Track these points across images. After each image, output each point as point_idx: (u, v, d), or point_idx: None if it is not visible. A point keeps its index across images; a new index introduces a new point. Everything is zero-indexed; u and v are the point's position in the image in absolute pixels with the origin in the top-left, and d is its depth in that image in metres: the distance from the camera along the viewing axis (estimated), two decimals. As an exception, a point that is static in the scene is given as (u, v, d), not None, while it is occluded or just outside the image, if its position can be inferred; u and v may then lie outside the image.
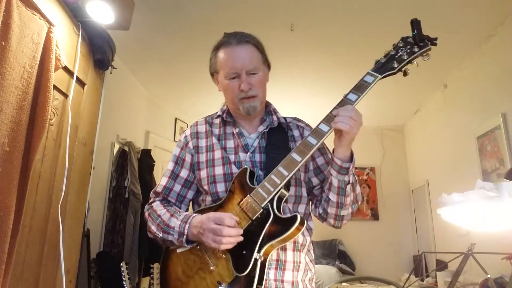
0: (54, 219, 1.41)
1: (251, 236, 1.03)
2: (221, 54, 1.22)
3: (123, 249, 2.83)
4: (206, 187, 1.19)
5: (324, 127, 1.07)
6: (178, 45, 2.93)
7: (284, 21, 2.59)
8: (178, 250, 1.14)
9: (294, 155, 1.06)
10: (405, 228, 4.50)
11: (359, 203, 1.19)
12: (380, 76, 1.10)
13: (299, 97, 3.88)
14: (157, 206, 1.21)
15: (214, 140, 1.23)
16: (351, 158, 1.09)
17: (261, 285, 0.99)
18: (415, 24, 1.09)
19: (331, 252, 4.29)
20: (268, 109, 1.29)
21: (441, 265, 3.06)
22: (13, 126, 1.11)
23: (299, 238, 1.14)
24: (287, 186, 1.10)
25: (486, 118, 2.73)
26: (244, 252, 1.02)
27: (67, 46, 1.50)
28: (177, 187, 1.25)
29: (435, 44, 1.11)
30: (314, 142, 1.06)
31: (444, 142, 3.57)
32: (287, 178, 1.04)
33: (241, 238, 1.02)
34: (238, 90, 1.17)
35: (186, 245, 1.09)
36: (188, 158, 1.25)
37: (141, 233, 2.97)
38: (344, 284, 3.09)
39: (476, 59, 2.92)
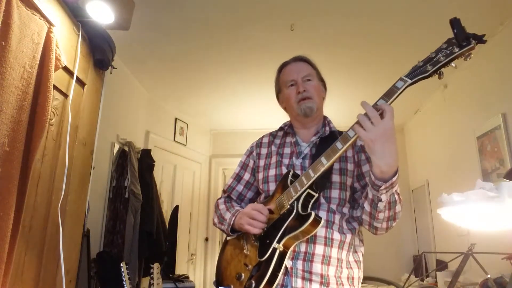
0: (54, 219, 1.41)
1: (277, 228, 1.16)
2: (282, 71, 1.45)
3: (123, 249, 2.83)
4: (261, 187, 1.38)
5: (351, 133, 1.08)
6: (178, 45, 2.92)
7: (284, 21, 2.59)
8: (228, 238, 1.39)
9: (322, 158, 1.12)
10: (405, 228, 4.49)
11: (397, 220, 1.17)
12: (409, 81, 1.08)
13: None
14: (221, 202, 1.47)
15: (273, 148, 1.43)
16: (390, 177, 1.00)
17: (279, 272, 1.11)
18: (455, 23, 1.01)
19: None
20: (324, 122, 1.43)
21: (441, 265, 3.06)
22: (13, 126, 1.11)
23: (335, 235, 1.20)
24: (321, 187, 1.21)
25: (486, 118, 2.73)
26: (268, 241, 1.17)
27: (67, 46, 1.50)
28: (239, 187, 1.49)
29: (484, 42, 1.01)
30: (340, 146, 1.09)
31: (444, 142, 3.57)
32: (313, 179, 1.13)
33: (263, 225, 1.19)
34: (295, 94, 1.35)
35: (231, 234, 1.33)
36: (251, 164, 1.48)
37: (141, 233, 2.97)
38: (344, 284, 3.08)
39: (476, 59, 2.90)
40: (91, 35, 1.69)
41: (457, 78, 3.25)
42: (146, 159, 3.28)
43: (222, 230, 1.38)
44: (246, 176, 1.48)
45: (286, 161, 1.34)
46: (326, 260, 1.17)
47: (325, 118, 1.45)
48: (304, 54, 1.54)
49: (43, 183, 1.39)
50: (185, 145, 4.44)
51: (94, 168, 1.81)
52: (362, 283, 1.31)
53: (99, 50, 1.72)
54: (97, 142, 1.82)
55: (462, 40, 1.01)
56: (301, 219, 1.13)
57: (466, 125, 3.05)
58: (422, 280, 3.37)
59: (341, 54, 3.00)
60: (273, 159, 1.38)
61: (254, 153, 1.47)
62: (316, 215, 1.11)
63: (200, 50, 2.97)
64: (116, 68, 1.98)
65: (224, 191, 1.53)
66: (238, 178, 1.49)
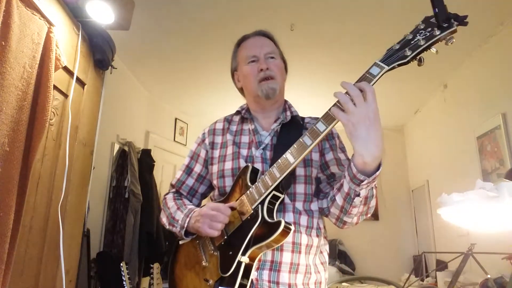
0: (54, 219, 1.41)
1: (240, 237, 1.02)
2: (241, 47, 1.27)
3: (123, 249, 2.83)
4: (215, 182, 1.22)
5: (321, 126, 0.94)
6: (178, 45, 2.92)
7: (284, 21, 2.59)
8: (181, 242, 1.21)
9: (288, 156, 0.99)
10: (405, 228, 4.49)
11: (369, 215, 1.05)
12: (387, 68, 0.91)
13: (299, 97, 3.87)
14: (169, 198, 1.28)
15: (229, 137, 1.25)
16: (373, 170, 0.88)
17: (246, 285, 0.98)
18: (436, 1, 0.86)
19: (331, 252, 4.29)
20: (284, 106, 1.29)
21: (441, 265, 3.06)
22: (13, 126, 1.11)
23: (303, 239, 1.09)
24: (286, 186, 1.07)
25: (486, 118, 2.73)
26: (230, 253, 1.02)
27: (67, 46, 1.50)
28: (190, 181, 1.30)
29: (465, 24, 0.87)
30: (309, 142, 0.95)
31: (444, 142, 3.57)
32: (279, 180, 1.00)
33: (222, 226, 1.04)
34: (257, 72, 1.19)
35: (184, 237, 1.16)
36: (202, 154, 1.29)
37: (141, 233, 2.97)
38: (344, 284, 3.09)
39: (476, 59, 2.92)
40: (91, 35, 1.69)
41: (457, 78, 3.25)
42: (146, 159, 3.28)
43: (174, 233, 1.20)
44: (198, 168, 1.29)
45: (244, 151, 1.19)
46: (294, 268, 1.07)
47: (285, 101, 1.30)
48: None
49: (43, 183, 1.39)
50: (185, 145, 4.44)
51: (94, 168, 1.81)
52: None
53: (99, 50, 1.72)
54: (97, 142, 1.83)
55: (444, 20, 0.87)
56: (268, 227, 0.99)
57: (466, 125, 3.05)
58: (422, 280, 3.37)
59: (341, 54, 3.00)
60: (229, 150, 1.22)
61: (207, 142, 1.28)
62: (286, 223, 0.98)
63: (200, 50, 2.97)
64: (116, 68, 1.98)
65: (172, 185, 1.33)
66: (188, 170, 1.30)
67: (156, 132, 3.95)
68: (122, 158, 3.09)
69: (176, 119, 4.34)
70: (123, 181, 2.99)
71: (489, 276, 1.61)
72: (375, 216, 4.61)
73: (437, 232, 3.72)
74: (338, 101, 0.89)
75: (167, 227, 1.21)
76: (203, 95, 3.86)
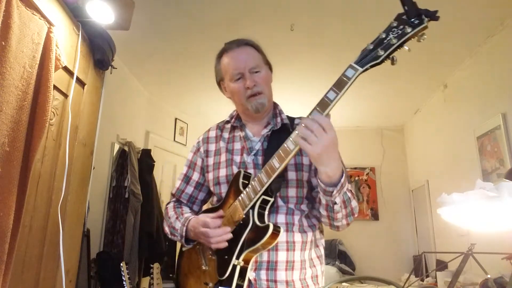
0: (54, 219, 1.41)
1: (234, 241, 1.07)
2: (224, 59, 1.26)
3: (123, 249, 2.83)
4: (212, 189, 1.28)
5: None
6: (178, 45, 2.93)
7: (284, 21, 2.59)
8: (183, 248, 1.28)
9: (274, 161, 1.04)
10: (405, 228, 4.49)
11: (355, 215, 1.11)
12: (360, 69, 0.95)
13: (299, 97, 3.88)
14: (170, 208, 1.33)
15: (222, 144, 1.29)
16: (338, 180, 0.97)
17: (243, 286, 1.04)
18: None
19: (331, 252, 4.29)
20: (275, 111, 1.31)
21: (441, 265, 3.06)
22: (13, 126, 1.11)
23: (296, 237, 1.14)
24: (276, 189, 1.12)
25: (486, 118, 2.73)
26: (226, 257, 1.08)
27: (67, 46, 1.50)
28: (189, 189, 1.35)
29: (436, 19, 0.87)
30: (292, 147, 1.00)
31: (444, 142, 3.57)
32: (266, 185, 1.05)
33: (230, 236, 1.07)
34: (244, 90, 1.20)
35: (186, 245, 1.22)
36: (199, 162, 1.34)
37: (141, 233, 2.97)
38: (344, 284, 3.09)
39: (476, 59, 2.92)
40: (91, 35, 1.69)
41: (457, 78, 3.25)
42: (146, 159, 3.28)
43: (177, 241, 1.27)
44: (195, 176, 1.33)
45: (237, 158, 1.23)
46: (290, 265, 1.12)
47: (275, 106, 1.31)
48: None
49: (43, 183, 1.39)
50: (185, 145, 4.44)
51: (94, 168, 1.81)
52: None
53: (99, 50, 1.72)
54: (97, 142, 1.83)
55: (413, 17, 0.88)
56: (258, 231, 1.05)
57: (466, 125, 3.05)
58: (422, 280, 3.37)
59: (341, 54, 3.00)
60: (223, 157, 1.26)
61: (202, 150, 1.33)
62: (275, 226, 1.04)
63: (200, 50, 2.97)
64: (116, 68, 1.98)
65: (172, 195, 1.39)
66: (186, 179, 1.35)
67: (156, 132, 3.95)
68: (122, 158, 3.09)
69: (176, 119, 4.34)
70: (123, 181, 2.99)
71: (489, 276, 1.61)
72: (375, 216, 4.61)
73: (437, 232, 3.72)
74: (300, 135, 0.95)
75: (170, 236, 1.27)
76: (203, 95, 3.86)
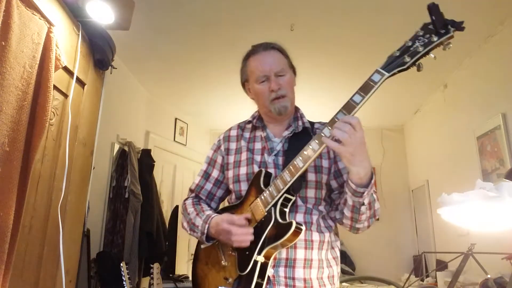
0: (54, 219, 1.41)
1: (255, 238, 1.10)
2: (251, 61, 1.31)
3: (123, 249, 2.83)
4: (231, 186, 1.30)
5: (326, 131, 1.03)
6: (178, 45, 2.92)
7: (284, 21, 2.59)
8: (202, 246, 1.29)
9: (298, 161, 1.07)
10: (405, 228, 4.49)
11: (377, 217, 1.16)
12: (387, 74, 0.98)
13: (299, 97, 3.88)
14: (189, 204, 1.35)
15: (243, 143, 1.32)
16: (369, 180, 1.01)
17: (263, 282, 1.06)
18: (433, 9, 0.92)
19: (331, 252, 4.29)
20: (296, 114, 1.35)
21: (441, 265, 3.06)
22: (13, 126, 1.11)
23: (314, 236, 1.16)
24: (297, 189, 1.15)
25: (486, 118, 2.73)
26: (247, 253, 1.10)
27: (67, 46, 1.50)
28: (208, 186, 1.37)
29: (462, 29, 0.92)
30: (316, 148, 1.05)
31: (444, 142, 3.57)
32: (289, 184, 1.08)
33: (252, 237, 1.09)
34: (268, 92, 1.24)
35: (206, 242, 1.23)
36: (219, 160, 1.36)
37: (141, 233, 2.96)
38: (344, 284, 3.09)
39: (476, 59, 2.92)
40: (91, 35, 1.69)
41: (457, 78, 3.25)
42: (146, 159, 3.28)
43: (195, 237, 1.29)
44: (215, 173, 1.36)
45: (258, 157, 1.26)
46: (308, 263, 1.14)
47: (297, 110, 1.36)
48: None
49: (43, 183, 1.39)
50: (185, 145, 4.44)
51: (94, 168, 1.81)
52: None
53: (99, 50, 1.72)
54: (97, 142, 1.82)
55: (440, 27, 0.92)
56: (280, 228, 1.07)
57: (466, 125, 3.05)
58: (422, 280, 3.37)
59: (341, 54, 3.00)
60: (244, 156, 1.29)
61: (222, 148, 1.36)
62: (297, 224, 1.06)
63: (200, 50, 2.97)
64: (116, 68, 1.98)
65: (191, 190, 1.41)
66: (206, 175, 1.38)
67: (156, 132, 3.95)
68: (122, 158, 3.09)
69: (176, 119, 4.34)
70: (123, 181, 2.99)
71: (489, 276, 1.61)
72: (375, 216, 4.61)
73: (437, 232, 3.72)
74: (333, 137, 0.98)
75: (188, 232, 1.28)
76: (203, 95, 3.86)
